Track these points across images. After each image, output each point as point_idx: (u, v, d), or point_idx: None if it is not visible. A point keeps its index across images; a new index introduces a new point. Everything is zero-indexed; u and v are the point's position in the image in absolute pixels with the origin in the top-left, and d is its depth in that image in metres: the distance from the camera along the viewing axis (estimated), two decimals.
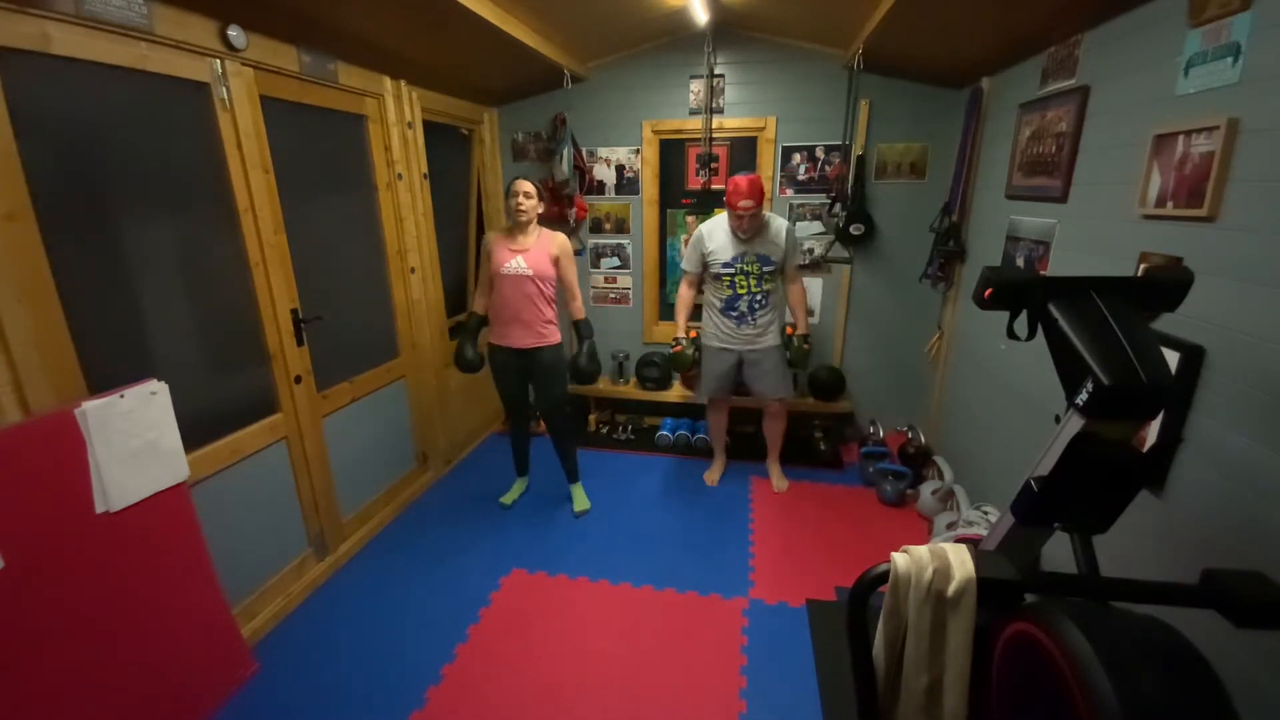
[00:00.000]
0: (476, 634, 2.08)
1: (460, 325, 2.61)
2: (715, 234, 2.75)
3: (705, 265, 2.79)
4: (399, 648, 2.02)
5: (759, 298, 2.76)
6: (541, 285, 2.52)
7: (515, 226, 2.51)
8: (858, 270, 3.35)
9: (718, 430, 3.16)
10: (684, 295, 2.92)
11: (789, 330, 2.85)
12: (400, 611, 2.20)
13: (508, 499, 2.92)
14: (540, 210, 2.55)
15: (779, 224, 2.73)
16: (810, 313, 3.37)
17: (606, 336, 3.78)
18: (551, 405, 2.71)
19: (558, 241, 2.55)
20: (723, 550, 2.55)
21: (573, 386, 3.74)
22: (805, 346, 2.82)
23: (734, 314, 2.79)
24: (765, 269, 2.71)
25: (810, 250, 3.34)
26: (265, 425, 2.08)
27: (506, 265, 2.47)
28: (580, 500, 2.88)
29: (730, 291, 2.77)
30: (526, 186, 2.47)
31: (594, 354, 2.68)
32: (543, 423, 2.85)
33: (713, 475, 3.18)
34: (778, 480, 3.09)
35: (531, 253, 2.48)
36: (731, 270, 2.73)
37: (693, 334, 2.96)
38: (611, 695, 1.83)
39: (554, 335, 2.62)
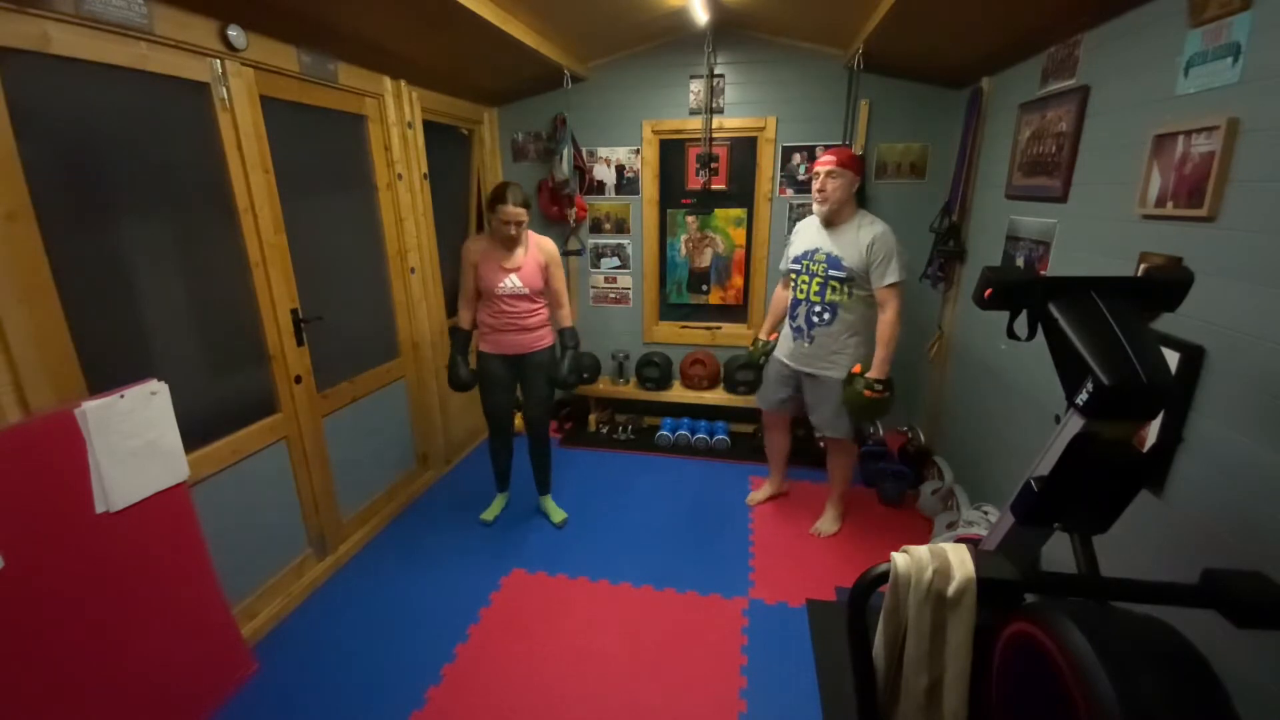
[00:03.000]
0: (476, 634, 2.08)
1: (452, 336, 2.44)
2: (804, 227, 2.44)
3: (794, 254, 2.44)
4: (399, 648, 2.02)
5: (819, 310, 2.31)
6: (537, 297, 2.47)
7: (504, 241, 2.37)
8: None
9: (772, 449, 2.84)
10: (775, 295, 2.66)
11: (856, 369, 2.27)
12: (400, 611, 2.20)
13: (490, 515, 2.75)
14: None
15: (874, 227, 2.22)
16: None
17: (606, 336, 3.79)
18: (539, 406, 2.59)
19: (545, 249, 2.45)
20: (723, 550, 2.55)
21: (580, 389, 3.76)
22: (868, 394, 2.18)
23: (793, 324, 2.42)
24: (832, 273, 2.24)
25: None
26: (265, 425, 2.08)
27: (501, 285, 2.37)
28: (556, 512, 2.77)
29: (793, 294, 2.41)
30: (519, 214, 2.28)
31: (576, 365, 2.56)
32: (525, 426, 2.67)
33: (755, 495, 2.91)
34: (824, 522, 2.66)
35: (525, 269, 2.39)
36: (798, 268, 2.36)
37: (774, 336, 2.65)
38: (611, 695, 1.83)
39: (549, 336, 2.57)
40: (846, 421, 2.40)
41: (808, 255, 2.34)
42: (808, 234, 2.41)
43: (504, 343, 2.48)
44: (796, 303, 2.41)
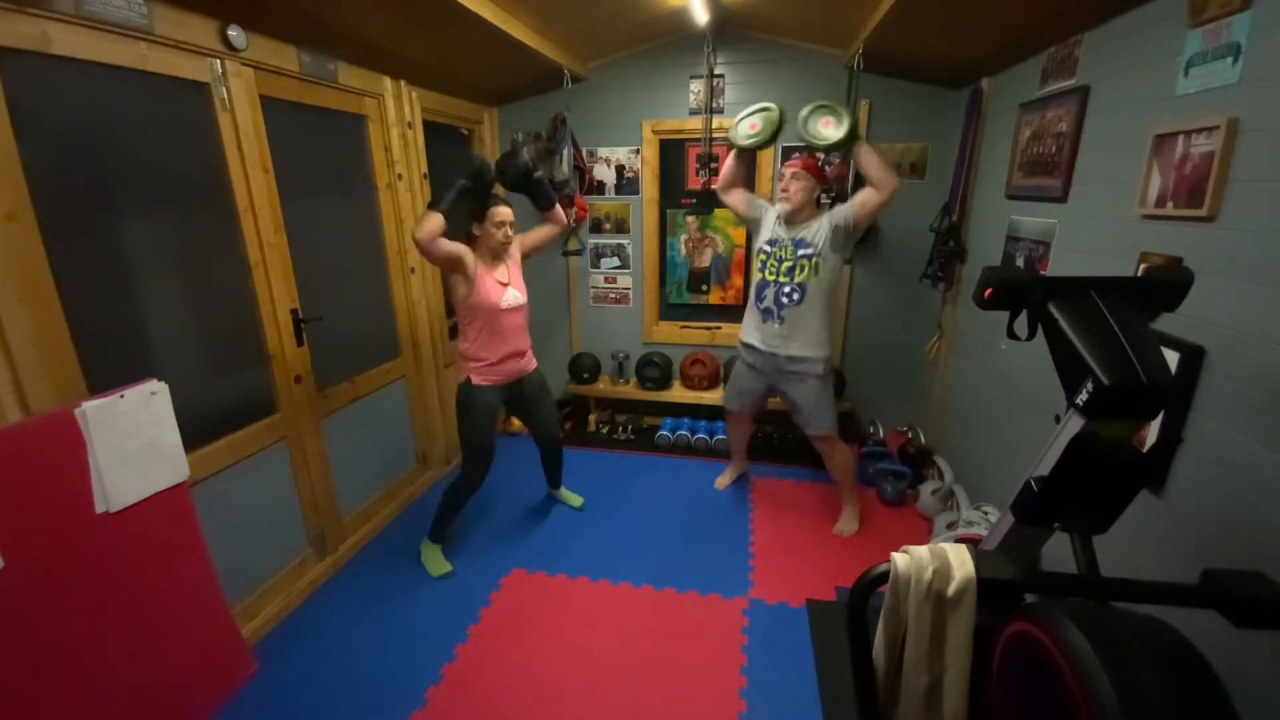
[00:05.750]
0: (476, 634, 2.08)
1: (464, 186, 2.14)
2: (770, 213, 2.56)
3: (753, 217, 2.58)
4: (399, 648, 2.02)
5: (788, 290, 2.47)
6: (526, 308, 2.43)
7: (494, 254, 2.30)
8: (857, 270, 3.34)
9: (735, 439, 3.05)
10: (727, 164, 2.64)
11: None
12: (400, 611, 2.20)
13: (444, 570, 2.41)
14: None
15: (829, 209, 2.46)
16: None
17: (606, 336, 3.79)
18: (554, 420, 2.69)
19: (516, 242, 2.40)
20: (723, 550, 2.55)
21: (571, 387, 3.75)
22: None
23: (761, 306, 2.57)
24: (801, 252, 2.43)
25: None
26: (265, 425, 2.08)
27: (505, 300, 2.28)
28: (574, 497, 2.94)
29: (760, 275, 2.56)
30: (510, 215, 2.24)
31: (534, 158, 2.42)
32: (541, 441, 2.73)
33: (723, 479, 3.11)
34: (843, 522, 2.70)
35: (513, 279, 2.36)
36: (767, 252, 2.52)
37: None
38: (611, 695, 1.83)
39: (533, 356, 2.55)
40: (831, 415, 2.57)
41: (776, 243, 2.51)
42: (772, 221, 2.56)
43: (505, 371, 2.38)
44: (764, 284, 2.55)
